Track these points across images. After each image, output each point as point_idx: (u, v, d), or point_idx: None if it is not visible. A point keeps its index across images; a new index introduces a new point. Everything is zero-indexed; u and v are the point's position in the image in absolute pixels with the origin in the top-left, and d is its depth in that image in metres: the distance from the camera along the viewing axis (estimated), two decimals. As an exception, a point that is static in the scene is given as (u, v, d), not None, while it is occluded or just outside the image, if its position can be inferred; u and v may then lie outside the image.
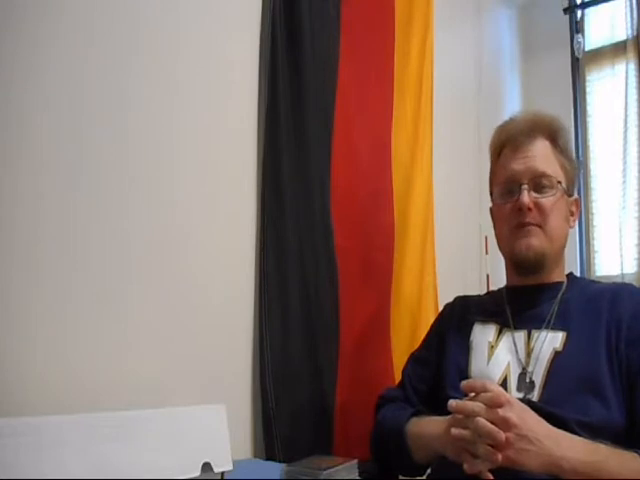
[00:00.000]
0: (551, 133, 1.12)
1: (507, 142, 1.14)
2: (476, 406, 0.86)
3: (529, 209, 1.07)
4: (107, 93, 1.05)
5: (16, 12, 0.94)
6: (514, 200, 1.09)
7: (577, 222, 2.18)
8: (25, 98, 0.95)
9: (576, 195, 1.17)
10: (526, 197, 1.07)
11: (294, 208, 1.32)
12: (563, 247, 1.13)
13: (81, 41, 1.02)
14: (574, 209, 1.16)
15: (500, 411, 0.85)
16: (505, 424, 0.84)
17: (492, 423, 0.84)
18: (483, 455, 0.85)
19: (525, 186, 1.08)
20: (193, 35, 1.21)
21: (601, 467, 0.84)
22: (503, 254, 1.17)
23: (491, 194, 1.19)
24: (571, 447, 0.86)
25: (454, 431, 0.89)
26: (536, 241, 1.07)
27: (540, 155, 1.10)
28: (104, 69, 1.05)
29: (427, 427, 1.03)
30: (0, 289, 0.90)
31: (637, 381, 0.95)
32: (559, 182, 1.09)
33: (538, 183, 1.09)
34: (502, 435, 0.83)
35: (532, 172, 1.09)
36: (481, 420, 0.85)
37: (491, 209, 1.20)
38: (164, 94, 1.15)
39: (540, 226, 1.07)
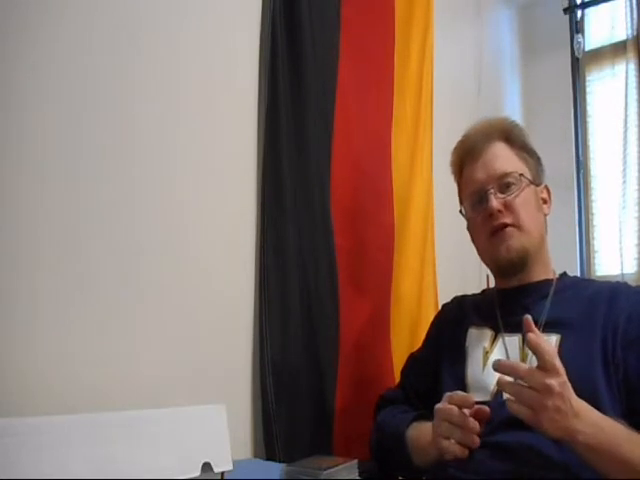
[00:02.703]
0: (505, 134, 1.15)
1: (466, 155, 1.17)
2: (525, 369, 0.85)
3: (499, 211, 1.08)
4: (108, 93, 1.05)
5: (17, 12, 0.94)
6: (484, 208, 1.10)
7: (577, 222, 2.22)
8: (25, 98, 0.95)
9: (545, 182, 1.18)
10: (493, 201, 1.08)
11: (294, 208, 1.32)
12: (543, 237, 1.13)
13: (82, 42, 1.02)
14: (546, 196, 1.17)
15: (546, 378, 0.81)
16: (547, 390, 0.81)
17: (534, 387, 0.82)
18: (458, 439, 0.89)
19: (491, 191, 1.09)
20: (193, 35, 1.21)
21: (614, 449, 0.82)
22: (487, 264, 1.18)
23: (464, 213, 1.19)
24: (592, 422, 0.83)
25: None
26: (514, 241, 1.08)
27: (498, 156, 1.13)
28: (104, 70, 1.05)
29: (427, 433, 1.01)
30: (3, 290, 0.90)
31: (637, 386, 0.93)
32: (521, 175, 1.11)
33: (502, 184, 1.10)
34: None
35: (493, 175, 1.11)
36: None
37: (467, 227, 1.21)
38: (164, 94, 1.15)
39: (514, 225, 1.08)
